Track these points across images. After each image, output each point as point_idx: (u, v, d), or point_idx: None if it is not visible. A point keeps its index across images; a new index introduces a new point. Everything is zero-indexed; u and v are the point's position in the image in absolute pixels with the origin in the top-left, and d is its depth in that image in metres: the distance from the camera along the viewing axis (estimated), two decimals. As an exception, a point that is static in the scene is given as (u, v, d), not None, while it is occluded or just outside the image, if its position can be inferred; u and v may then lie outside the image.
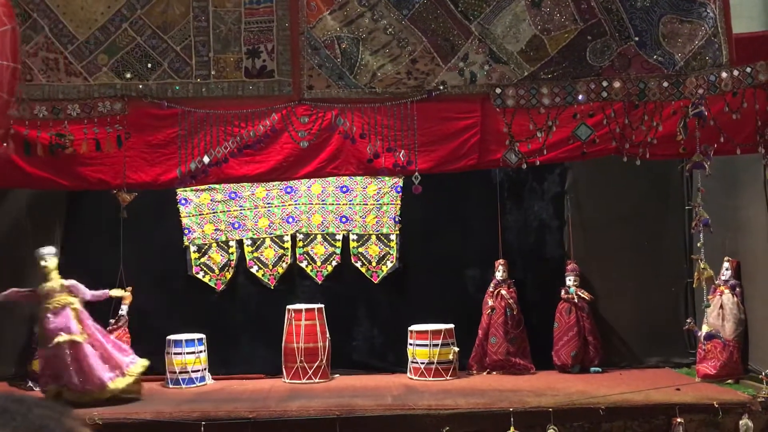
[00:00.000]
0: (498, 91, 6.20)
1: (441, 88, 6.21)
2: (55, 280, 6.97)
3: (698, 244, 6.42)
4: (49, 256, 7.04)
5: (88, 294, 7.17)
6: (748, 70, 6.08)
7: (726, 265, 7.34)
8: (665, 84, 6.10)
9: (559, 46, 6.14)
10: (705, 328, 7.24)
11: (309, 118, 6.26)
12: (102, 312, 8.19)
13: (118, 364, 7.03)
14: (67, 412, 1.03)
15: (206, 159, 6.19)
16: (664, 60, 6.09)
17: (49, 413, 0.96)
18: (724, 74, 6.04)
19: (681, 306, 8.34)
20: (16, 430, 0.89)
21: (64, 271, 8.27)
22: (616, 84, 6.15)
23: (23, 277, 7.68)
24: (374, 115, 6.25)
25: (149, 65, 6.06)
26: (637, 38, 6.08)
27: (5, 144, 5.64)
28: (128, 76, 6.05)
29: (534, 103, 6.21)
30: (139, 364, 7.19)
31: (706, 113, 5.98)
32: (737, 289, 7.29)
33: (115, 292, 7.55)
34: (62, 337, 6.70)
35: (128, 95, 6.07)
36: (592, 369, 8.07)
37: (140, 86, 6.07)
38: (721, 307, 7.21)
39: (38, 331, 7.02)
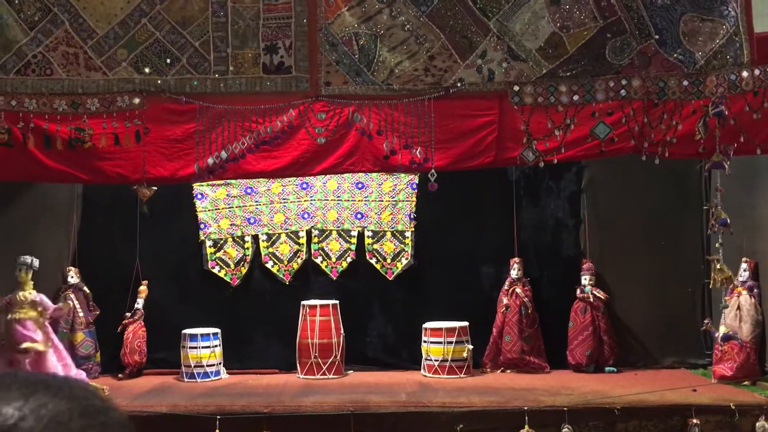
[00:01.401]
0: (516, 88, 6.17)
1: (459, 85, 6.19)
2: (27, 292, 6.96)
3: (716, 245, 6.37)
4: (26, 267, 6.97)
5: (49, 311, 7.15)
6: (770, 69, 6.02)
7: (744, 266, 7.29)
8: (685, 83, 6.05)
9: (578, 44, 6.10)
10: (722, 329, 7.20)
11: (326, 114, 6.26)
12: (118, 306, 8.27)
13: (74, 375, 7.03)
14: (96, 390, 1.07)
15: (224, 154, 6.21)
16: (685, 58, 6.04)
17: (86, 388, 1.00)
18: (744, 73, 5.98)
19: (698, 306, 8.29)
20: (70, 401, 0.92)
21: (80, 265, 8.37)
22: (636, 82, 6.10)
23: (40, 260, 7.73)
24: (391, 112, 6.24)
25: (168, 60, 6.08)
26: (657, 36, 6.03)
27: None
28: (147, 71, 6.08)
29: (552, 101, 6.17)
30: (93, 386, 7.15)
31: (726, 112, 5.92)
32: (755, 290, 7.24)
33: (64, 307, 7.48)
34: (28, 344, 6.70)
35: (147, 90, 6.10)
36: (607, 369, 8.03)
37: (159, 81, 6.09)
38: (739, 308, 7.16)
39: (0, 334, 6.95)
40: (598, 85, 6.15)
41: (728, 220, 6.18)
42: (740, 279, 7.24)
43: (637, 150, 6.28)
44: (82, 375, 7.12)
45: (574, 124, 6.20)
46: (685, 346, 8.26)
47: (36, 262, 7.04)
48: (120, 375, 8.19)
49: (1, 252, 7.99)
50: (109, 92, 6.07)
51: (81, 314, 8.10)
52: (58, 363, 6.87)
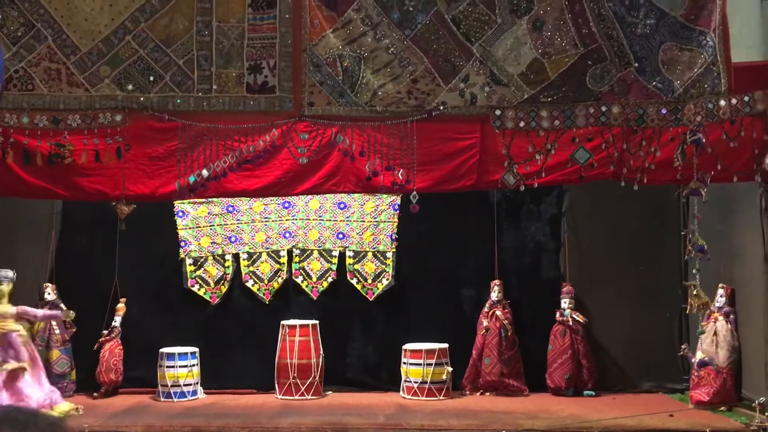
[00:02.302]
0: (498, 112, 6.24)
1: (441, 108, 6.24)
2: (5, 305, 6.88)
3: (693, 270, 6.44)
4: (6, 281, 6.90)
5: (40, 313, 7.08)
6: (746, 99, 6.14)
7: (720, 291, 7.36)
8: (664, 110, 6.15)
9: (559, 70, 6.19)
10: (699, 355, 7.24)
11: (309, 134, 6.28)
12: (95, 323, 8.18)
13: (48, 393, 6.91)
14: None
15: (205, 173, 6.20)
16: (663, 87, 6.14)
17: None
18: (722, 102, 6.09)
19: (675, 331, 8.35)
20: None
21: (58, 281, 8.28)
22: (615, 109, 6.19)
23: (18, 276, 7.67)
24: (374, 134, 6.28)
25: (151, 78, 6.08)
26: (636, 64, 6.13)
27: None
28: (130, 88, 6.07)
29: (533, 125, 6.24)
30: (67, 405, 7.05)
31: (704, 140, 6.02)
32: (731, 316, 7.30)
33: (66, 315, 7.43)
34: (12, 365, 6.61)
35: (129, 107, 6.09)
36: (586, 392, 8.05)
37: (141, 99, 6.09)
38: (715, 333, 7.21)
39: None
40: (578, 110, 6.23)
41: (705, 247, 6.26)
42: (717, 305, 7.30)
43: (617, 176, 6.36)
44: (56, 394, 7.01)
45: (555, 148, 6.27)
46: (663, 371, 8.30)
47: (14, 276, 6.98)
48: (95, 394, 8.07)
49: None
50: (91, 109, 6.06)
51: (57, 331, 8.00)
52: (35, 382, 6.76)
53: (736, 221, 7.37)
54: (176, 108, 6.14)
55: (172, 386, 7.91)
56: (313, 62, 6.20)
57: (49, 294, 8.13)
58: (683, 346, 7.70)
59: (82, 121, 6.05)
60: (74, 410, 6.94)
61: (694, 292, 6.31)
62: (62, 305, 8.04)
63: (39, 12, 6.03)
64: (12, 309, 6.82)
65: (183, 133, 6.17)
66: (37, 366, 6.94)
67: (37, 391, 6.74)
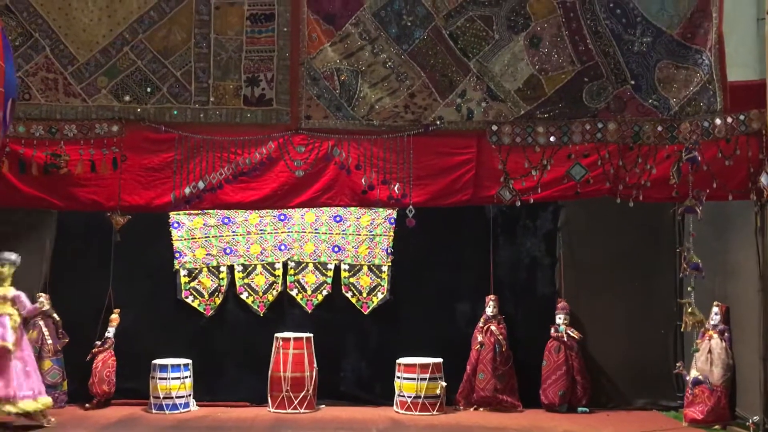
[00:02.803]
0: (494, 128, 6.26)
1: (438, 123, 6.26)
2: (5, 288, 6.91)
3: (688, 288, 6.44)
4: (9, 264, 6.96)
5: (29, 307, 7.09)
6: (742, 117, 6.17)
7: (715, 309, 7.35)
8: (660, 128, 6.18)
9: (555, 87, 6.22)
10: (693, 373, 7.23)
11: (305, 147, 6.29)
12: (89, 334, 8.14)
13: (34, 386, 6.90)
14: None
15: (201, 184, 6.20)
16: (659, 104, 6.17)
17: None
18: (718, 121, 6.12)
19: (670, 348, 8.34)
20: None
21: (52, 291, 8.24)
22: (611, 126, 6.22)
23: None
24: (371, 147, 6.30)
25: (148, 89, 6.09)
26: (633, 82, 6.16)
27: None
28: (127, 99, 6.09)
29: (529, 141, 6.27)
30: (48, 399, 7.06)
31: (700, 158, 6.05)
32: (726, 334, 7.29)
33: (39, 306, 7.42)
34: None
35: (126, 118, 6.10)
36: (580, 409, 8.02)
37: (138, 110, 6.10)
38: (710, 351, 7.20)
39: None
40: (574, 127, 6.26)
41: (700, 264, 6.26)
42: (711, 323, 7.30)
43: (613, 192, 6.37)
44: (43, 387, 6.98)
45: (551, 164, 6.29)
46: (657, 388, 8.28)
47: (18, 260, 7.04)
48: (87, 405, 8.02)
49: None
50: (87, 119, 6.07)
51: (49, 341, 7.95)
52: (22, 370, 6.73)
53: (731, 239, 7.38)
54: (173, 119, 6.16)
55: (164, 398, 7.86)
56: (311, 75, 6.22)
57: (42, 304, 8.09)
58: (678, 364, 7.68)
59: (78, 132, 6.06)
60: (47, 419, 6.93)
61: (689, 310, 6.32)
62: (55, 314, 8.01)
63: (37, 22, 6.05)
64: (11, 292, 6.84)
65: (179, 145, 6.18)
66: (27, 355, 6.92)
67: (21, 379, 6.71)
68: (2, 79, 4.51)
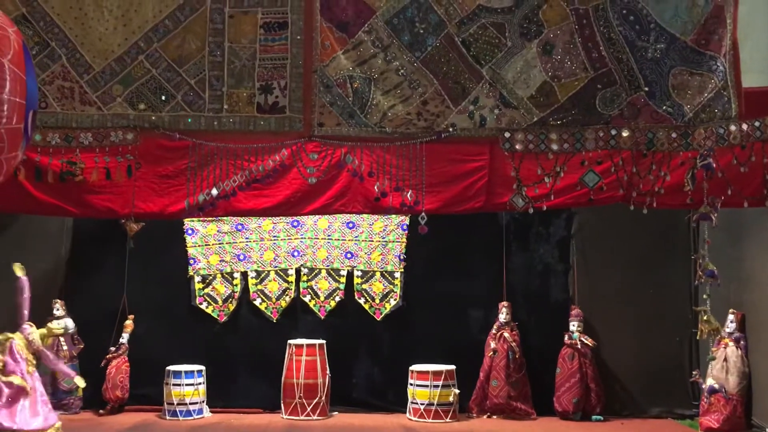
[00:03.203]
0: (507, 135, 6.25)
1: (450, 130, 6.26)
2: (39, 337, 6.96)
3: (704, 296, 6.39)
4: (60, 328, 7.41)
5: (51, 365, 7.11)
6: (757, 124, 6.12)
7: (731, 317, 7.30)
8: (674, 134, 6.14)
9: (568, 93, 6.20)
10: (709, 381, 7.17)
11: (318, 154, 6.30)
12: (103, 339, 8.19)
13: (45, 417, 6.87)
14: None
15: (215, 191, 6.23)
16: (674, 111, 6.14)
17: None
18: (732, 127, 6.08)
19: (685, 356, 8.28)
20: None
21: (67, 298, 8.30)
22: (625, 133, 6.19)
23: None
24: (383, 154, 6.30)
25: (163, 97, 6.14)
26: (646, 88, 6.13)
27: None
28: (142, 107, 6.13)
29: (542, 148, 6.25)
30: (58, 423, 7.04)
31: (714, 165, 6.00)
32: (742, 342, 7.23)
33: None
34: (17, 379, 6.63)
35: (141, 126, 6.15)
36: (594, 417, 7.98)
37: (153, 117, 6.14)
38: (725, 359, 7.14)
39: None
40: (588, 134, 6.23)
41: (716, 272, 6.21)
42: (727, 330, 7.24)
43: (626, 199, 6.33)
44: (52, 414, 6.97)
45: (564, 171, 6.26)
46: (673, 396, 8.22)
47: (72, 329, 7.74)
48: (101, 411, 8.07)
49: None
50: (103, 127, 6.12)
51: (65, 347, 8.02)
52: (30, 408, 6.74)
53: (747, 246, 7.32)
54: (187, 127, 6.19)
55: (177, 404, 7.90)
56: (324, 83, 6.24)
57: (57, 310, 8.16)
58: (695, 372, 7.62)
59: (93, 139, 6.11)
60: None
61: (705, 318, 6.27)
62: (68, 321, 8.04)
63: (54, 31, 6.11)
64: (38, 343, 6.87)
65: (193, 152, 6.21)
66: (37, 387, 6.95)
67: (31, 418, 6.69)
68: (24, 91, 4.53)
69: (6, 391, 6.52)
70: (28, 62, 4.66)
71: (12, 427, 6.33)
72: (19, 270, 6.99)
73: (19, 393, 6.57)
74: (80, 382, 7.20)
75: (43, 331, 7.07)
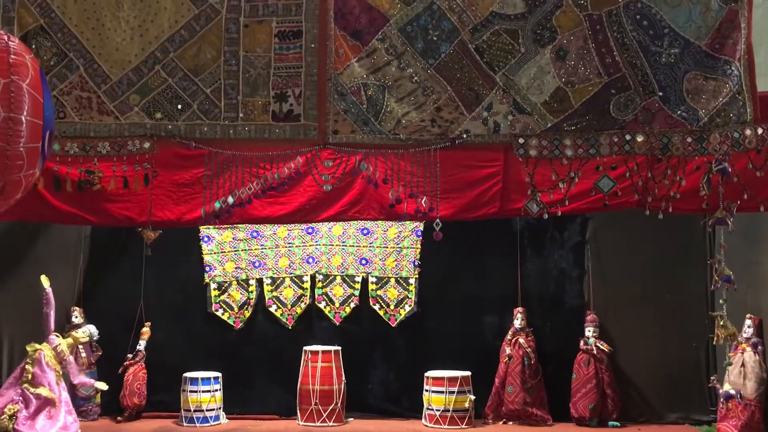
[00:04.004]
0: (521, 141, 6.25)
1: (464, 136, 6.27)
2: (66, 347, 7.06)
3: (720, 301, 6.36)
4: (86, 336, 7.58)
5: (74, 378, 7.21)
6: (772, 128, 6.08)
7: (748, 322, 7.25)
8: (689, 139, 6.12)
9: (582, 99, 6.19)
10: (726, 387, 7.13)
11: (333, 162, 6.33)
12: (120, 346, 8.26)
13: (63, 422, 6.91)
14: None
15: (230, 199, 6.27)
16: (688, 116, 6.12)
17: None
18: (748, 131, 6.04)
19: (702, 361, 8.23)
20: None
21: (85, 305, 8.38)
22: (640, 138, 6.17)
23: (41, 303, 7.76)
24: (398, 161, 6.32)
25: (179, 106, 6.19)
26: (661, 93, 6.11)
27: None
28: (158, 116, 6.19)
29: (557, 153, 6.24)
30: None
31: (730, 170, 5.97)
32: (759, 347, 7.18)
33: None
34: (45, 391, 6.71)
35: (157, 135, 6.20)
36: (611, 423, 7.95)
37: (169, 126, 6.20)
38: (743, 365, 7.10)
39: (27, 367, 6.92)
40: (602, 139, 6.22)
41: (732, 277, 6.18)
42: (744, 336, 7.19)
43: (641, 204, 6.32)
44: (75, 425, 7.03)
45: (579, 177, 6.25)
46: (690, 402, 8.18)
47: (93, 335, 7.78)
48: (119, 418, 8.13)
49: (5, 290, 8.03)
50: (120, 136, 6.18)
51: (84, 354, 8.09)
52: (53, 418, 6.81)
53: (763, 250, 7.28)
54: (203, 135, 6.24)
55: (194, 411, 7.94)
56: (338, 91, 6.28)
57: (76, 317, 8.24)
58: (713, 378, 7.58)
59: (111, 149, 6.17)
60: None
61: (721, 323, 6.23)
62: (91, 328, 8.12)
63: (71, 42, 6.18)
64: (65, 354, 6.97)
65: (209, 161, 6.26)
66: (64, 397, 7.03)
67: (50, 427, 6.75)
68: (41, 113, 4.72)
69: (34, 402, 6.60)
70: (44, 86, 4.87)
71: None
72: (45, 282, 7.09)
73: (46, 404, 6.65)
74: (102, 386, 7.29)
75: (69, 340, 7.17)
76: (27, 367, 6.80)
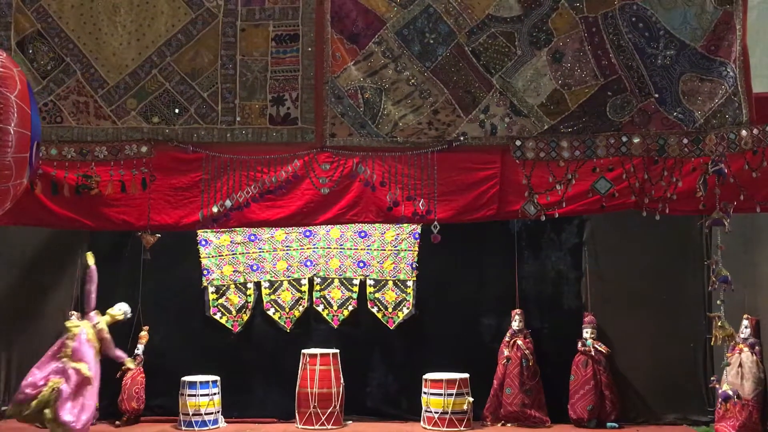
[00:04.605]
0: (518, 143, 6.26)
1: (462, 138, 6.28)
2: (104, 323, 7.10)
3: (717, 302, 6.37)
4: (121, 313, 7.53)
5: (110, 349, 7.25)
6: (768, 129, 6.10)
7: (745, 323, 7.27)
8: (685, 141, 6.14)
9: (579, 101, 6.21)
10: (724, 387, 7.14)
11: (330, 165, 6.34)
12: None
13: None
14: None
15: (228, 203, 6.27)
16: (684, 117, 6.14)
17: None
18: (744, 132, 6.07)
19: (700, 362, 8.25)
20: None
21: (84, 309, 8.36)
22: (636, 139, 6.19)
23: (43, 303, 7.78)
24: (395, 164, 6.32)
25: (176, 110, 6.19)
26: (657, 95, 6.13)
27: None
28: (155, 120, 6.19)
29: (554, 156, 6.26)
30: None
31: (726, 171, 5.99)
32: (756, 347, 7.20)
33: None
34: (85, 368, 6.74)
35: (155, 139, 6.20)
36: (609, 424, 7.96)
37: (167, 130, 6.20)
38: (741, 365, 7.12)
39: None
40: (599, 141, 6.24)
41: (729, 277, 6.19)
42: (742, 336, 7.22)
43: (638, 206, 6.33)
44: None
45: (575, 178, 6.27)
46: (688, 403, 8.19)
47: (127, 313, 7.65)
48: (117, 422, 8.12)
49: (4, 295, 8.03)
50: (117, 140, 6.18)
51: (81, 359, 8.07)
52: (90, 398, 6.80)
53: (760, 251, 7.30)
54: (200, 139, 6.24)
55: (193, 415, 7.94)
56: (335, 94, 6.28)
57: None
58: (713, 378, 7.59)
59: (108, 153, 6.17)
60: None
61: (719, 324, 6.25)
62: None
63: (68, 47, 6.18)
64: (105, 331, 6.99)
65: (207, 164, 6.26)
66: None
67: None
68: (29, 124, 4.79)
69: (73, 378, 6.61)
70: (32, 98, 4.96)
71: (74, 426, 6.40)
72: (90, 259, 7.14)
73: (84, 383, 6.66)
74: (131, 364, 7.35)
75: (107, 318, 7.18)
76: (67, 342, 6.82)
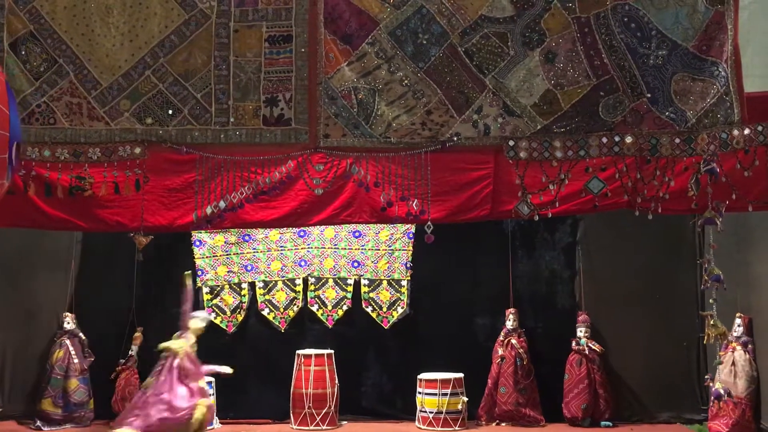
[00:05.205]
0: (511, 143, 6.29)
1: (455, 139, 6.30)
2: (189, 344, 6.94)
3: (710, 300, 6.40)
4: (203, 326, 7.12)
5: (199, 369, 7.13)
6: (760, 128, 6.14)
7: (738, 321, 7.31)
8: (677, 140, 6.17)
9: (572, 101, 6.24)
10: (717, 385, 7.18)
11: (324, 165, 6.35)
12: (113, 352, 8.24)
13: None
14: None
15: (222, 204, 6.28)
16: (676, 117, 6.17)
17: None
18: (735, 132, 6.10)
19: (693, 361, 8.28)
20: None
21: (76, 311, 8.36)
22: (628, 139, 6.22)
23: (36, 305, 7.75)
24: (388, 164, 6.34)
25: (170, 111, 6.20)
26: (649, 95, 6.17)
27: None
28: (149, 121, 6.19)
29: (546, 155, 6.28)
30: None
31: (718, 170, 6.02)
32: (749, 345, 7.24)
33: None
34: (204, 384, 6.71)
35: (148, 140, 6.21)
36: (603, 423, 7.99)
37: (160, 132, 6.20)
38: (733, 363, 7.15)
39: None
40: (591, 141, 6.27)
41: (721, 276, 6.22)
42: (734, 335, 7.25)
43: (631, 205, 6.36)
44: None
45: (568, 178, 6.29)
46: (681, 401, 8.22)
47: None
48: (112, 423, 8.10)
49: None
50: (110, 142, 6.18)
51: (76, 360, 8.08)
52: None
53: (753, 250, 7.34)
54: (194, 140, 6.24)
55: (188, 415, 7.92)
56: (329, 95, 6.30)
57: (68, 323, 8.22)
58: (707, 376, 7.63)
59: (102, 154, 6.17)
60: None
61: (711, 322, 6.28)
62: (80, 334, 8.12)
63: (61, 48, 6.18)
64: (188, 353, 6.86)
65: (200, 166, 6.27)
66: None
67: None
68: (7, 123, 4.77)
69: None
70: (11, 98, 4.92)
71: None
72: (188, 279, 7.02)
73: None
74: (227, 369, 7.21)
75: (195, 333, 7.04)
76: (182, 363, 6.69)
